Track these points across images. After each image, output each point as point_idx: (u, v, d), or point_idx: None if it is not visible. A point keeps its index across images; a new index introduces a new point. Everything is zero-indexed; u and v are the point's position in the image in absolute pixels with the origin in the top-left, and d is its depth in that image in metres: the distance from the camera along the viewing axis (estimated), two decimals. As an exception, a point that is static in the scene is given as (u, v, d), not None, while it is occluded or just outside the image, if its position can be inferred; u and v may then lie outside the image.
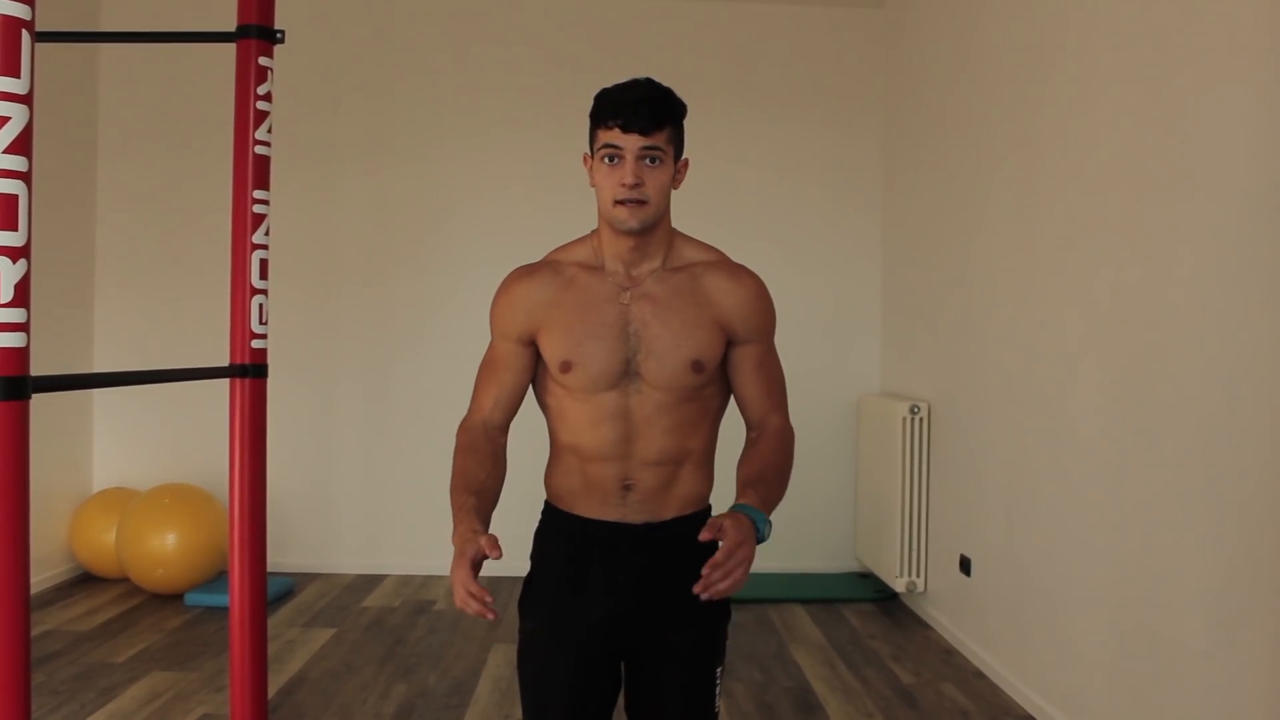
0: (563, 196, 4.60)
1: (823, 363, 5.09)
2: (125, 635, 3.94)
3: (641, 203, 1.53)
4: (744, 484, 1.52)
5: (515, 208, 5.03)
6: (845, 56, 5.15)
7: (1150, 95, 2.63)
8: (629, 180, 1.51)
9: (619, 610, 1.61)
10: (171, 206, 5.03)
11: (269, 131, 1.84)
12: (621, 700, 1.69)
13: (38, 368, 1.27)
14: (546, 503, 1.71)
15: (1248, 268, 2.22)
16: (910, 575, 4.37)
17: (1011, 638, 3.47)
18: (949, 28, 4.21)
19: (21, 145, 1.19)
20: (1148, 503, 2.61)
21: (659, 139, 1.52)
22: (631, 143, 1.51)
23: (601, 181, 1.56)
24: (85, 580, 4.73)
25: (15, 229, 1.18)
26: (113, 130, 5.02)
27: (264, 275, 1.86)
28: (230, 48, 1.84)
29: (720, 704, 1.69)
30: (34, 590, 4.32)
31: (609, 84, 1.58)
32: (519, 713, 2.00)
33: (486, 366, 1.68)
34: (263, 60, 1.82)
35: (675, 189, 1.59)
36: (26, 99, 1.19)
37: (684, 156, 1.61)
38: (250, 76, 1.82)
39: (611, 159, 1.53)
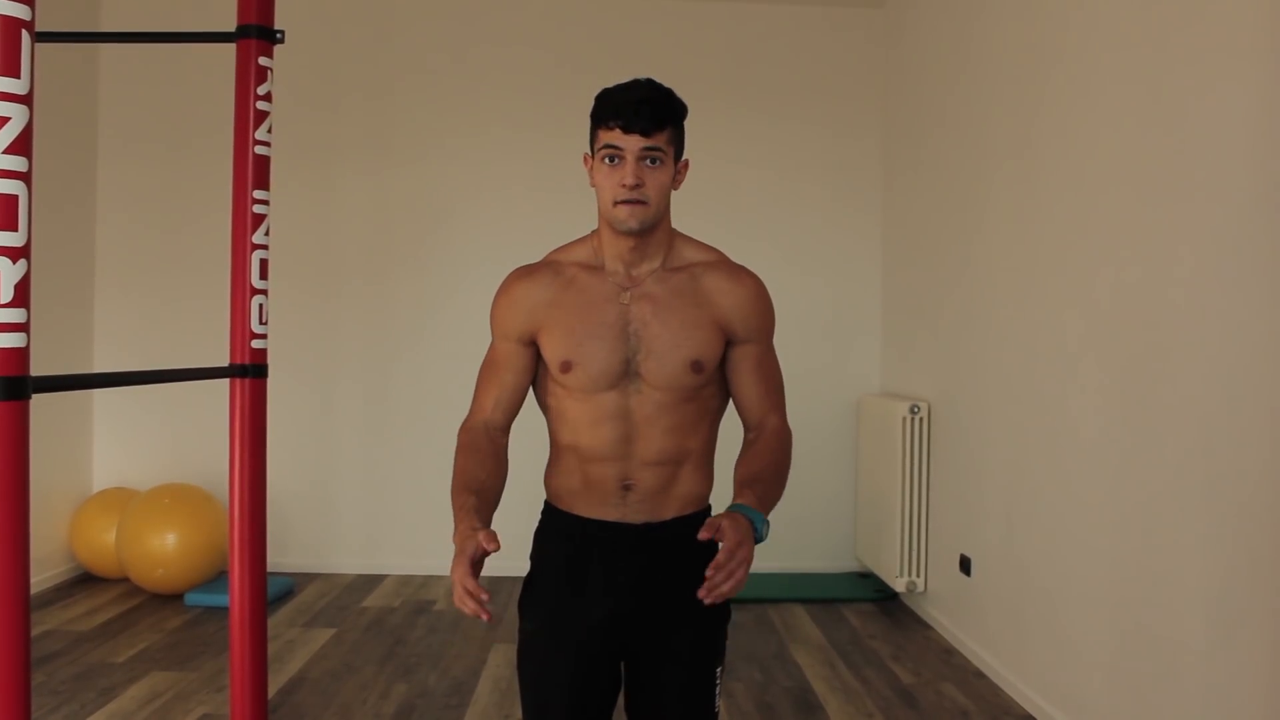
0: (563, 196, 4.60)
1: (823, 363, 5.09)
2: (125, 635, 3.94)
3: (642, 203, 1.53)
4: (741, 484, 1.52)
5: (515, 208, 5.03)
6: (845, 56, 5.15)
7: (1150, 95, 2.63)
8: (629, 181, 1.51)
9: (619, 610, 1.61)
10: (171, 206, 5.03)
11: (269, 131, 1.84)
12: (621, 700, 1.69)
13: (38, 368, 1.28)
14: (546, 503, 1.71)
15: (1248, 267, 2.23)
16: (910, 575, 4.37)
17: (1011, 638, 3.47)
18: (949, 28, 4.21)
19: (21, 145, 1.19)
20: (1148, 503, 2.61)
21: (659, 140, 1.52)
22: (632, 143, 1.51)
23: (602, 182, 1.56)
24: (85, 580, 4.73)
25: (15, 229, 1.18)
26: (113, 130, 5.02)
27: (264, 275, 1.86)
28: (230, 48, 1.84)
29: (720, 704, 1.69)
30: (34, 590, 4.32)
31: (609, 84, 1.58)
32: (519, 713, 2.00)
33: (487, 367, 1.68)
34: (263, 60, 1.83)
35: (675, 190, 1.59)
36: (26, 99, 1.19)
37: (684, 157, 1.61)
38: (250, 76, 1.82)
39: (612, 159, 1.53)
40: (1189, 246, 2.45)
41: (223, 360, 1.88)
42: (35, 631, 3.88)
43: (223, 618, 4.11)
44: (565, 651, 1.62)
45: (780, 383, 1.68)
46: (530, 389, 1.69)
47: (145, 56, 4.99)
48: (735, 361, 1.64)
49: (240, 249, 1.84)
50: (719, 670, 1.66)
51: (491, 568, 1.46)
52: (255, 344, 1.85)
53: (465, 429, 1.65)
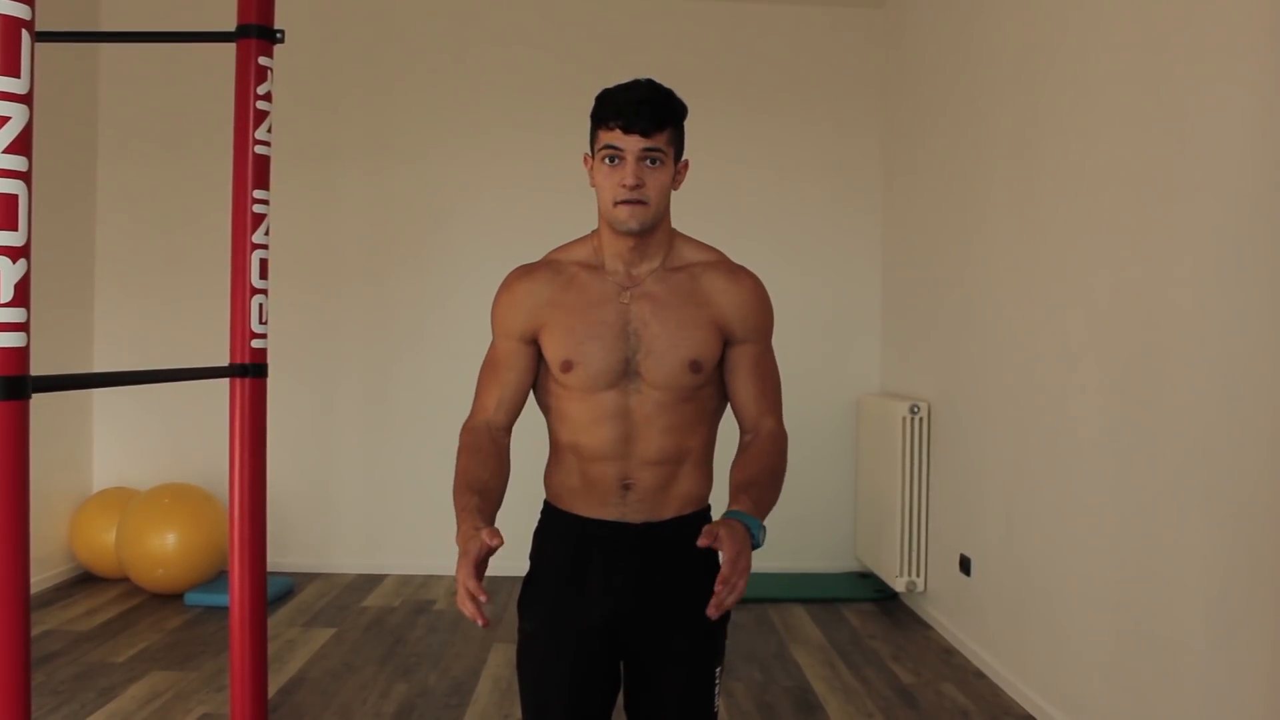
0: (563, 196, 4.59)
1: (822, 362, 5.09)
2: (125, 635, 3.94)
3: (642, 204, 1.53)
4: (737, 489, 1.52)
5: (515, 208, 5.03)
6: (845, 56, 5.15)
7: (1150, 95, 2.63)
8: (629, 181, 1.51)
9: (618, 610, 1.61)
10: (171, 206, 5.03)
11: (269, 131, 1.84)
12: (621, 700, 1.69)
13: (38, 368, 1.28)
14: (546, 502, 1.71)
15: (1248, 267, 2.23)
16: (910, 575, 4.37)
17: (1011, 638, 3.47)
18: (949, 28, 4.21)
19: (21, 145, 1.19)
20: (1148, 502, 2.61)
21: (660, 140, 1.53)
22: (632, 144, 1.51)
23: (602, 182, 1.56)
24: (85, 580, 4.73)
25: (15, 229, 1.18)
26: (113, 130, 5.02)
27: (264, 275, 1.86)
28: (230, 48, 1.84)
29: (720, 704, 1.69)
30: (34, 590, 4.32)
31: (609, 84, 1.58)
32: (519, 713, 2.00)
33: (488, 366, 1.67)
34: (262, 60, 1.83)
35: (675, 190, 1.60)
36: (26, 99, 1.19)
37: (684, 157, 1.61)
38: (250, 76, 1.82)
39: (612, 160, 1.53)
40: (1189, 246, 2.45)
41: (223, 360, 1.88)
42: (35, 631, 3.88)
43: (223, 617, 4.11)
44: (565, 651, 1.62)
45: (778, 384, 1.68)
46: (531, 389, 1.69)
47: (145, 56, 4.99)
48: (733, 361, 1.64)
49: (240, 249, 1.84)
50: (719, 670, 1.66)
51: (491, 567, 1.46)
52: (255, 344, 1.85)
53: (467, 429, 1.65)
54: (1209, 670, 2.34)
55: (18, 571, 1.20)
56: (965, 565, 3.90)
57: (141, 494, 4.58)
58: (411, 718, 3.18)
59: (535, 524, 1.72)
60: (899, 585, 4.39)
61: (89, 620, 4.13)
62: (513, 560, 1.65)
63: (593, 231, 1.66)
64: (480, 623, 1.36)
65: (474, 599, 1.36)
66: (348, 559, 5.04)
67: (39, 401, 1.28)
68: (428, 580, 4.91)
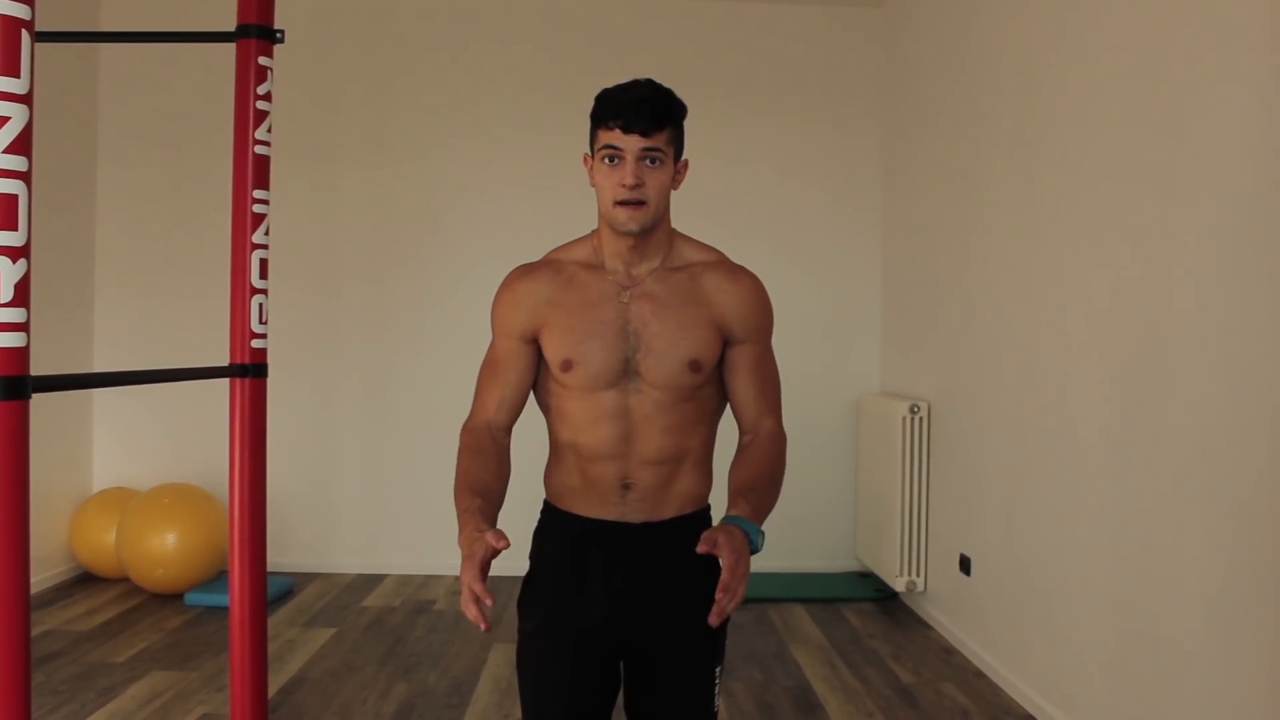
0: (563, 196, 4.59)
1: (822, 362, 5.09)
2: (125, 635, 3.94)
3: (641, 203, 1.53)
4: (736, 493, 1.53)
5: (515, 208, 5.03)
6: (845, 56, 5.15)
7: (1149, 94, 2.63)
8: (629, 181, 1.51)
9: (618, 609, 1.60)
10: (171, 206, 5.03)
11: (269, 131, 1.84)
12: (621, 700, 1.69)
13: (38, 368, 1.28)
14: (546, 502, 1.71)
15: (1248, 267, 2.23)
16: (910, 575, 4.37)
17: (1011, 637, 3.47)
18: (948, 27, 4.21)
19: (21, 145, 1.19)
20: (1148, 502, 2.61)
21: (659, 140, 1.53)
22: (632, 144, 1.51)
23: (601, 182, 1.56)
24: (85, 580, 4.73)
25: (15, 229, 1.18)
26: (113, 130, 5.02)
27: (264, 275, 1.86)
28: (230, 48, 1.84)
29: (720, 704, 1.69)
30: (34, 590, 4.32)
31: (609, 83, 1.58)
32: (519, 712, 2.00)
33: (489, 366, 1.67)
34: (262, 60, 1.83)
35: (675, 190, 1.60)
36: (26, 99, 1.19)
37: (684, 157, 1.61)
38: (250, 76, 1.82)
39: (612, 159, 1.53)
40: (1189, 246, 2.45)
41: (223, 360, 1.88)
42: (35, 631, 3.88)
43: (223, 617, 4.11)
44: (564, 651, 1.62)
45: (777, 384, 1.68)
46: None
47: (145, 56, 5.00)
48: (732, 361, 1.64)
49: (240, 249, 1.84)
50: (718, 670, 1.66)
51: (492, 567, 1.46)
52: (255, 344, 1.85)
53: (468, 429, 1.65)
54: (1209, 670, 2.34)
55: (18, 571, 1.20)
56: (965, 565, 3.90)
57: (141, 494, 4.58)
58: (411, 718, 3.18)
59: (535, 524, 1.72)
60: (899, 585, 4.39)
61: (89, 620, 4.13)
62: (512, 560, 1.65)
63: (593, 231, 1.66)
64: (482, 626, 1.37)
65: (478, 602, 1.36)
66: (348, 559, 5.04)
67: (39, 401, 1.28)
68: (428, 580, 4.91)
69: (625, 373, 1.58)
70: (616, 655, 1.65)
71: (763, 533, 1.46)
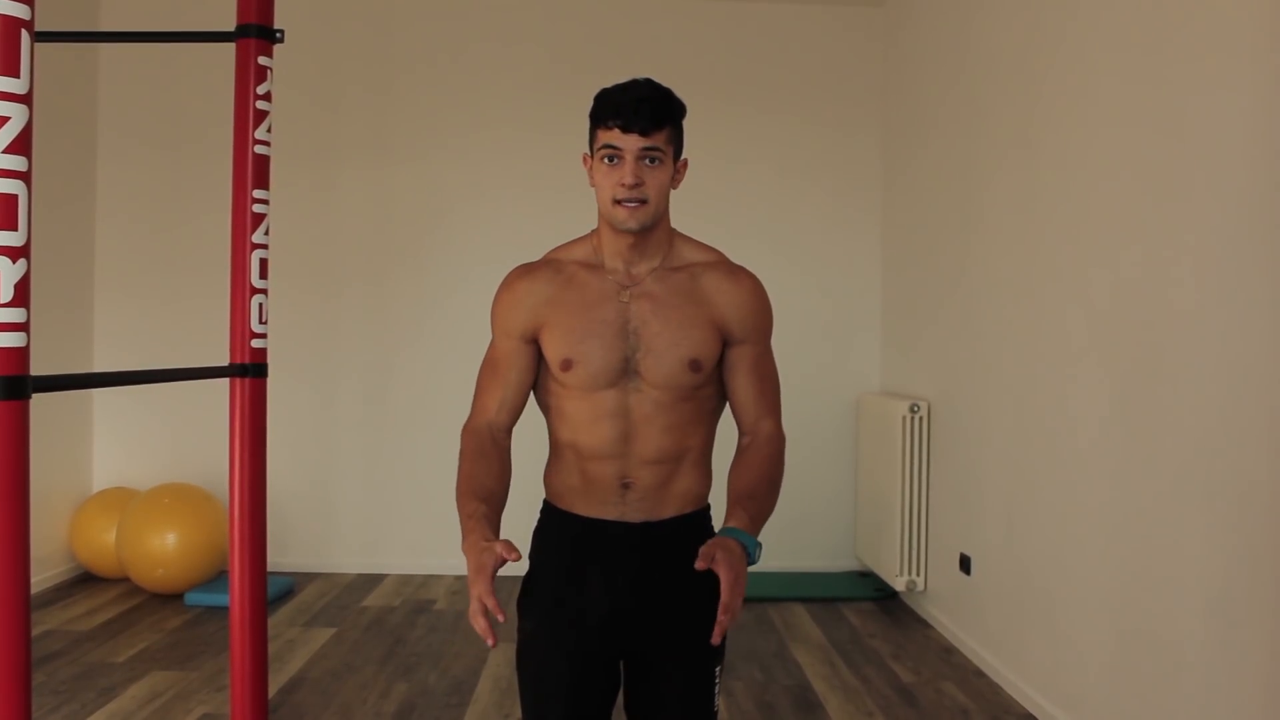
0: (563, 196, 4.60)
1: (822, 362, 5.09)
2: (125, 635, 3.94)
3: (641, 202, 1.53)
4: (734, 500, 1.53)
5: (515, 208, 5.03)
6: (845, 55, 5.15)
7: (1149, 94, 2.63)
8: (629, 180, 1.51)
9: (618, 609, 1.60)
10: (171, 206, 5.03)
11: (269, 131, 1.85)
12: (621, 700, 1.69)
13: (38, 368, 1.28)
14: (545, 501, 1.71)
15: (1248, 267, 2.23)
16: (910, 574, 4.37)
17: (1011, 637, 3.47)
18: (948, 27, 4.21)
19: (21, 145, 1.19)
20: (1148, 502, 2.61)
21: (658, 139, 1.53)
22: (631, 143, 1.51)
23: (601, 181, 1.56)
24: (85, 580, 4.73)
25: (15, 229, 1.18)
26: (112, 130, 5.02)
27: (264, 275, 1.86)
28: (230, 47, 1.84)
29: (720, 703, 1.69)
30: (34, 590, 4.32)
31: (609, 83, 1.58)
32: (519, 712, 2.00)
33: (489, 367, 1.67)
34: (262, 60, 1.83)
35: (674, 189, 1.60)
36: (26, 99, 1.19)
37: (683, 157, 1.61)
38: (250, 76, 1.82)
39: (611, 159, 1.53)
40: (1189, 246, 2.45)
41: (223, 360, 1.88)
42: (35, 631, 3.88)
43: (223, 617, 4.11)
44: (564, 651, 1.62)
45: (777, 385, 1.68)
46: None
47: (145, 56, 4.99)
48: (732, 362, 1.64)
49: (240, 249, 1.84)
50: (718, 669, 1.66)
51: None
52: (255, 343, 1.85)
53: (469, 431, 1.65)
54: (1209, 670, 2.34)
55: (18, 571, 1.20)
56: (965, 564, 3.90)
57: (141, 494, 4.58)
58: (411, 718, 3.18)
59: (535, 524, 1.72)
60: (899, 584, 4.39)
61: (89, 620, 4.13)
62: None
63: (592, 231, 1.66)
64: (490, 642, 1.37)
65: (487, 615, 1.36)
66: (348, 559, 5.04)
67: (39, 401, 1.28)
68: (428, 580, 4.91)
69: (625, 372, 1.58)
70: (616, 655, 1.65)
71: (760, 544, 1.48)
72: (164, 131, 5.02)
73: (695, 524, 1.64)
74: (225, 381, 1.84)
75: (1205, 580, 2.36)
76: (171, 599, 4.44)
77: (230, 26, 1.84)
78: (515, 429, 1.70)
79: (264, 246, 1.85)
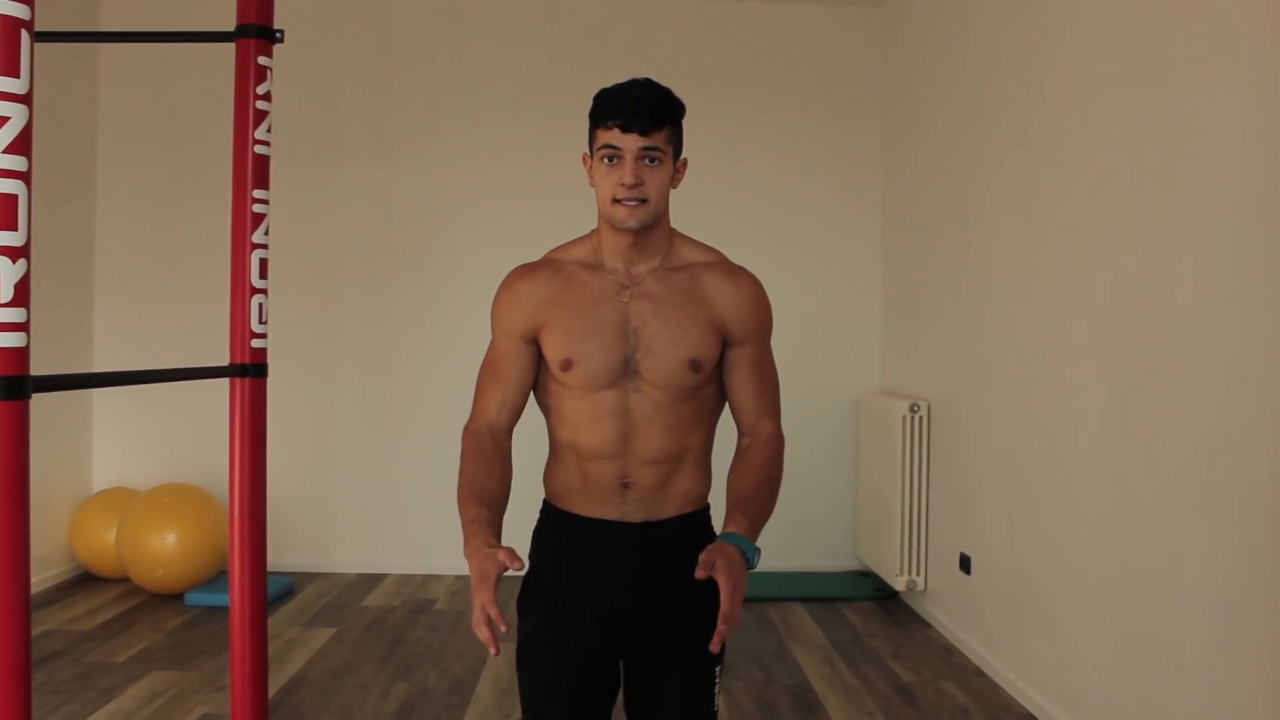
0: (563, 196, 4.60)
1: (822, 361, 5.09)
2: (125, 635, 3.94)
3: (641, 202, 1.53)
4: (734, 504, 1.53)
5: (515, 208, 5.04)
6: (845, 55, 5.15)
7: (1149, 94, 2.63)
8: (628, 180, 1.51)
9: (618, 609, 1.61)
10: (171, 206, 5.03)
11: (268, 131, 1.85)
12: (621, 700, 1.69)
13: (38, 368, 1.28)
14: (545, 501, 1.71)
15: (1248, 267, 2.23)
16: (910, 574, 4.37)
17: (1011, 636, 3.47)
18: (949, 27, 4.21)
19: (21, 145, 1.19)
20: (1148, 502, 2.61)
21: (658, 139, 1.53)
22: (631, 143, 1.51)
23: (601, 181, 1.56)
24: (85, 580, 4.73)
25: (15, 229, 1.18)
26: (112, 130, 5.02)
27: (264, 275, 1.86)
28: (230, 47, 1.84)
29: (720, 703, 1.69)
30: (34, 590, 4.32)
31: (609, 83, 1.58)
32: (519, 712, 2.00)
33: (489, 367, 1.67)
34: (262, 60, 1.83)
35: (674, 189, 1.60)
36: (26, 99, 1.19)
37: (683, 156, 1.61)
38: (250, 76, 1.82)
39: (611, 159, 1.53)
40: (1189, 246, 2.45)
41: (223, 360, 1.88)
42: (35, 631, 3.88)
43: (223, 617, 4.11)
44: (564, 651, 1.62)
45: (776, 385, 1.68)
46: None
47: (144, 56, 5.00)
48: (731, 362, 1.64)
49: (240, 249, 1.84)
50: (718, 669, 1.66)
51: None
52: (255, 343, 1.85)
53: (470, 433, 1.64)
54: (1209, 670, 2.34)
55: (18, 571, 1.20)
56: (965, 564, 3.90)
57: (141, 494, 4.58)
58: (412, 718, 3.18)
59: (535, 524, 1.72)
60: (899, 584, 4.39)
61: (89, 620, 4.13)
62: (513, 560, 1.66)
63: (592, 230, 1.66)
64: (492, 651, 1.36)
65: (490, 624, 1.36)
66: (348, 559, 5.04)
67: (39, 401, 1.28)
68: (428, 580, 4.91)
69: (625, 372, 1.58)
70: (616, 655, 1.65)
71: (759, 549, 1.48)
72: (164, 131, 5.02)
73: (695, 524, 1.64)
74: (225, 381, 1.84)
75: (1205, 580, 2.36)
76: (171, 599, 4.44)
77: (230, 26, 1.84)
78: (515, 429, 1.70)
79: (264, 246, 1.85)
